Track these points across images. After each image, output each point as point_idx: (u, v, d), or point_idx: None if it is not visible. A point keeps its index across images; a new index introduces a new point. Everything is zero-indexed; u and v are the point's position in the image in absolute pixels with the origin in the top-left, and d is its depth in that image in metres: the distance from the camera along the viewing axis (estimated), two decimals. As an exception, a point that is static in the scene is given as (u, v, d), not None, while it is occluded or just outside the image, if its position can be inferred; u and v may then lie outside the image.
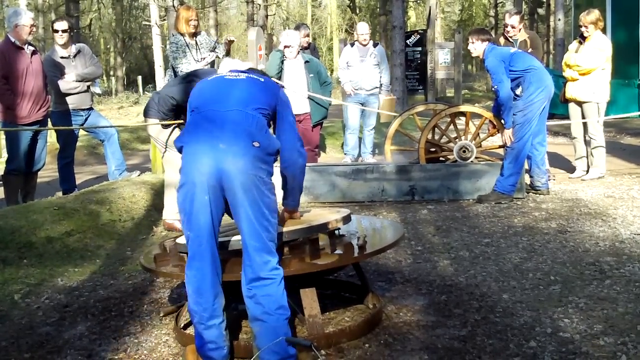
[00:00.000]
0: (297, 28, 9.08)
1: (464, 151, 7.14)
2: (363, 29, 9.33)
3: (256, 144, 3.03)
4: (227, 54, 7.53)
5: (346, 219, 3.67)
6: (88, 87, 7.44)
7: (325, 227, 3.48)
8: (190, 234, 3.06)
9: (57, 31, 7.28)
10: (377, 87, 9.29)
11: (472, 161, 7.09)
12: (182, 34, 7.10)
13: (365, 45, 9.22)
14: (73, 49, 7.40)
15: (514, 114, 6.62)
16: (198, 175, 2.99)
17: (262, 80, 3.36)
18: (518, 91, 6.63)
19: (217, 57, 7.36)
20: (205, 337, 3.08)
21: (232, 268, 3.25)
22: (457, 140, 7.30)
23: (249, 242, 3.00)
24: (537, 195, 6.86)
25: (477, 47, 6.72)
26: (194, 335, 3.48)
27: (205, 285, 3.06)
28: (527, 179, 7.02)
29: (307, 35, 9.24)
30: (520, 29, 7.65)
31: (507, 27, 7.68)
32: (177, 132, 5.69)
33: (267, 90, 3.30)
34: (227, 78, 3.34)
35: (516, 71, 6.55)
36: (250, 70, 3.51)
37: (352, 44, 9.40)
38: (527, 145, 6.61)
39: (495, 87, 6.57)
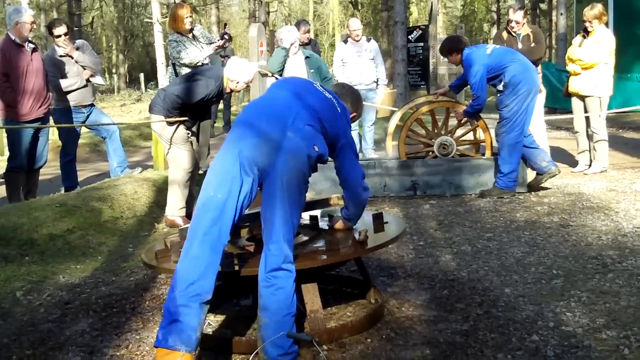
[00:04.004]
0: (298, 24, 9.06)
1: (444, 147, 7.13)
2: (355, 24, 9.27)
3: (316, 148, 3.09)
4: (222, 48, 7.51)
5: None
6: (88, 81, 7.43)
7: (327, 202, 3.54)
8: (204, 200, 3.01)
9: (59, 36, 7.26)
10: (374, 82, 9.27)
11: (452, 156, 7.07)
12: (179, 32, 7.07)
13: (358, 41, 9.18)
14: (74, 46, 7.41)
15: (499, 110, 6.63)
16: (247, 150, 2.99)
17: (339, 110, 3.34)
18: (500, 86, 6.60)
19: (218, 47, 7.28)
20: (180, 315, 2.90)
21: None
22: (432, 137, 7.27)
23: (279, 231, 3.00)
24: (539, 189, 6.84)
25: (454, 59, 6.77)
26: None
27: (202, 261, 2.94)
28: (532, 174, 6.99)
29: (308, 32, 9.21)
30: (523, 24, 7.65)
31: (511, 22, 7.67)
32: (181, 129, 5.70)
33: (335, 120, 3.28)
34: (315, 85, 3.39)
35: (496, 67, 6.55)
36: (336, 96, 3.45)
37: (345, 41, 9.36)
38: (519, 139, 6.58)
39: (474, 95, 6.66)
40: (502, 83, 6.56)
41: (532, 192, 6.72)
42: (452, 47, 6.75)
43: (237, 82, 5.53)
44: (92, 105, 7.60)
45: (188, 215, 5.87)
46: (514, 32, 7.62)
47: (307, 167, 3.08)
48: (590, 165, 7.78)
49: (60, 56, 7.32)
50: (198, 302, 2.92)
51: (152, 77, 31.25)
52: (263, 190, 3.06)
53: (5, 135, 8.85)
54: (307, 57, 8.00)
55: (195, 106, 5.63)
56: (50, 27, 7.42)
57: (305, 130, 3.08)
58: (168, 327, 2.91)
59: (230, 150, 3.03)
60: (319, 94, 3.33)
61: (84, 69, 7.42)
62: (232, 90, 5.66)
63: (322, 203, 4.08)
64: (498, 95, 6.68)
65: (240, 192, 2.97)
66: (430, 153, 7.26)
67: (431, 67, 19.54)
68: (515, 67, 6.50)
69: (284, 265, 3.00)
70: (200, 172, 6.32)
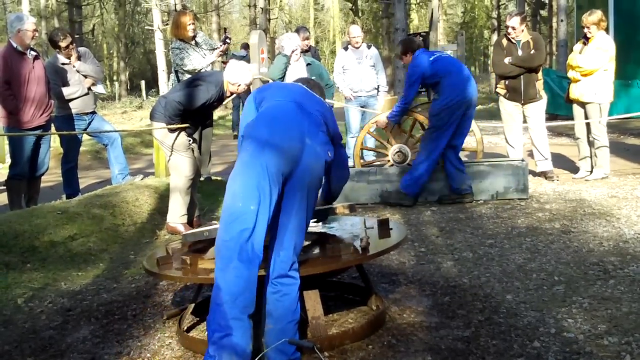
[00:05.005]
0: (297, 31, 9.08)
1: (399, 155, 7.13)
2: (355, 31, 9.29)
3: (329, 154, 3.20)
4: (225, 53, 7.55)
5: (351, 208, 3.92)
6: (89, 89, 7.44)
7: (333, 211, 3.75)
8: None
9: (67, 47, 7.25)
10: (375, 89, 9.29)
11: (408, 164, 7.08)
12: (182, 40, 7.09)
13: (358, 48, 9.20)
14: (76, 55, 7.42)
15: (430, 117, 6.71)
16: (272, 159, 3.01)
17: (328, 106, 3.50)
18: (436, 95, 6.68)
19: (221, 53, 7.33)
20: (233, 329, 2.92)
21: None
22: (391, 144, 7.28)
23: (292, 238, 3.04)
24: (541, 195, 6.84)
25: (407, 60, 6.88)
26: (196, 339, 3.50)
27: (242, 276, 2.93)
28: (533, 180, 6.98)
29: (307, 38, 9.22)
30: (522, 30, 7.64)
31: (508, 28, 7.68)
32: (183, 136, 5.70)
33: (332, 120, 3.42)
34: (306, 90, 3.47)
35: (434, 75, 6.63)
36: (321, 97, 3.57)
37: (346, 48, 9.38)
38: (439, 149, 6.63)
39: (403, 95, 6.86)
40: (437, 92, 6.67)
41: (534, 199, 6.72)
42: (407, 47, 6.88)
43: (239, 85, 5.54)
44: (93, 112, 7.61)
45: (189, 222, 5.87)
46: (513, 38, 7.62)
47: (323, 173, 3.18)
48: (591, 172, 7.77)
49: (62, 64, 7.34)
50: (247, 314, 2.94)
51: (153, 84, 31.29)
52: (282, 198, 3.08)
53: (7, 142, 8.86)
54: (308, 64, 8.02)
55: (197, 112, 5.64)
56: (54, 39, 7.37)
57: (320, 137, 3.17)
58: (220, 342, 2.89)
59: (255, 162, 3.01)
60: (314, 98, 3.41)
61: (86, 77, 7.43)
62: (232, 94, 5.68)
63: (328, 212, 4.09)
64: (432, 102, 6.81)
65: (270, 203, 2.98)
66: (388, 161, 7.29)
67: (432, 73, 19.55)
68: (453, 79, 6.58)
69: (290, 272, 3.03)
70: (202, 179, 6.32)
